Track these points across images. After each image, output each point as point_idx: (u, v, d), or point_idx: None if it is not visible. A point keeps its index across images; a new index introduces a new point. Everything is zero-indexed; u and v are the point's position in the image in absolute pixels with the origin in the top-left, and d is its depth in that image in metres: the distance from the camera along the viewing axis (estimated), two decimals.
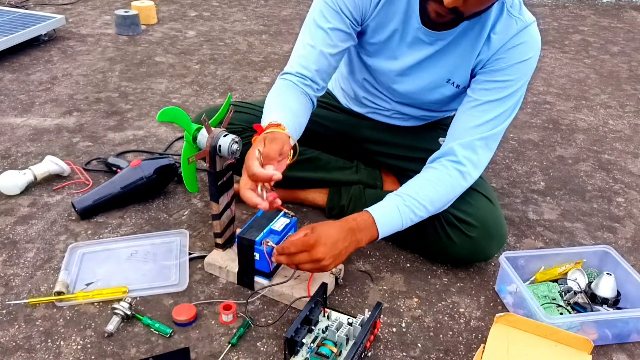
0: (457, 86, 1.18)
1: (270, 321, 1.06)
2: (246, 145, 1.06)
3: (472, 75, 1.16)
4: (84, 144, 1.67)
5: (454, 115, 1.20)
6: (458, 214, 1.16)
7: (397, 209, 1.09)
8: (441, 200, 1.13)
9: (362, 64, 1.27)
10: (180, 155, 1.09)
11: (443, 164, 1.14)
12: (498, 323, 1.00)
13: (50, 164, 1.45)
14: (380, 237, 1.09)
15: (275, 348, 1.00)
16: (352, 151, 1.42)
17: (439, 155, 1.16)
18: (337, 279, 1.15)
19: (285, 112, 1.08)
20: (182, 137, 1.71)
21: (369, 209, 1.09)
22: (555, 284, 1.17)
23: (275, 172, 0.93)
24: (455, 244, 1.17)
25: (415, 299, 1.15)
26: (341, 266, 1.16)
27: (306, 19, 1.18)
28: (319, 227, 1.04)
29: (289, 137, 1.00)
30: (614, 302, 1.11)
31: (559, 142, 1.90)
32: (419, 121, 1.36)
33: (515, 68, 1.10)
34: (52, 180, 1.47)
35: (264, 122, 1.05)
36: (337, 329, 0.98)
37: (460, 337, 1.07)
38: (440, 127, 1.38)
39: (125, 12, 2.63)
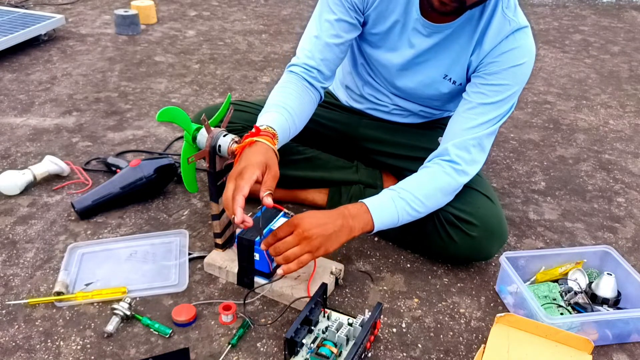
0: (454, 82, 1.19)
1: (270, 322, 1.06)
2: None
3: (468, 78, 1.17)
4: (84, 143, 1.67)
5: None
6: (458, 214, 1.16)
7: (391, 201, 1.09)
8: (437, 196, 1.13)
9: (363, 57, 1.28)
10: (180, 155, 1.09)
11: (437, 162, 1.15)
12: (498, 323, 1.00)
13: (50, 164, 1.45)
14: (376, 229, 1.08)
15: (275, 348, 1.00)
16: (352, 151, 1.42)
17: (433, 155, 1.17)
18: (337, 279, 1.14)
19: (282, 112, 1.10)
20: (181, 137, 1.71)
21: (363, 200, 1.09)
22: (556, 284, 1.17)
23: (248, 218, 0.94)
24: (456, 243, 1.17)
25: (416, 300, 1.15)
26: (341, 266, 1.16)
27: (314, 11, 1.20)
28: (304, 212, 1.04)
29: (274, 152, 1.01)
30: (615, 302, 1.11)
31: (560, 142, 1.90)
32: (418, 118, 1.36)
33: (509, 72, 1.10)
34: (52, 180, 1.47)
35: (261, 120, 1.08)
36: (337, 330, 0.97)
37: (461, 338, 1.06)
38: (439, 126, 1.38)
39: (125, 11, 2.62)
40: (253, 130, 1.02)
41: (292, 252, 1.00)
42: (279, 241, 1.01)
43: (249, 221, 0.94)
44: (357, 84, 1.35)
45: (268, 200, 0.93)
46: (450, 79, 1.18)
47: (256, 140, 1.00)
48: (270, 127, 1.04)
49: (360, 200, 1.09)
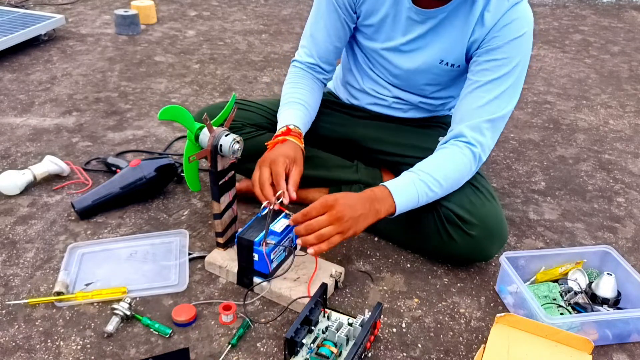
0: (452, 65, 1.21)
1: (270, 322, 1.06)
2: (246, 142, 1.11)
3: (469, 58, 1.19)
4: (84, 143, 1.67)
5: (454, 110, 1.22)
6: (459, 212, 1.16)
7: (412, 184, 1.11)
8: (454, 177, 1.15)
9: (362, 51, 1.31)
10: (180, 155, 1.09)
11: (455, 143, 1.16)
12: (498, 323, 1.00)
13: (50, 164, 1.45)
14: (397, 212, 1.09)
15: (275, 348, 1.00)
16: (352, 151, 1.42)
17: (448, 137, 1.18)
18: (336, 282, 1.14)
19: (302, 109, 1.23)
20: (182, 137, 1.71)
21: (385, 183, 1.10)
22: (556, 284, 1.17)
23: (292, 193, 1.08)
24: (456, 243, 1.17)
25: (416, 300, 1.15)
26: (341, 269, 1.16)
27: (312, 7, 1.29)
28: (336, 193, 1.05)
29: (302, 150, 1.16)
30: (615, 302, 1.11)
31: (560, 142, 1.90)
32: (419, 111, 1.37)
33: (511, 45, 1.12)
34: (52, 180, 1.47)
35: (284, 114, 1.22)
36: (337, 330, 0.97)
37: (461, 338, 1.06)
38: (440, 125, 1.39)
39: (125, 11, 2.62)
40: (283, 128, 1.16)
41: (326, 230, 1.00)
42: (312, 220, 1.01)
43: (293, 194, 1.07)
44: (357, 79, 1.37)
45: (293, 194, 1.07)
46: (447, 63, 1.20)
47: (287, 139, 1.14)
48: (298, 127, 1.18)
49: (382, 184, 1.10)
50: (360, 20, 1.23)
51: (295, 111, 1.22)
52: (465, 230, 1.16)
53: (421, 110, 1.37)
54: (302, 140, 1.17)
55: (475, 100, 1.15)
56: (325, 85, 1.34)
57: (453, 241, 1.17)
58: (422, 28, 1.17)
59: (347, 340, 0.97)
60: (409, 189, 1.10)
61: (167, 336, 1.01)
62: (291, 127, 1.17)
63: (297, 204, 1.41)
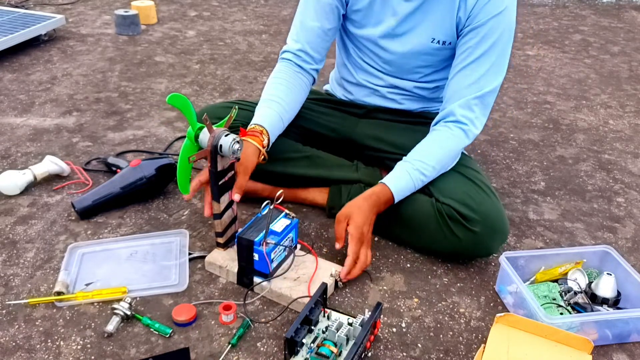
0: (443, 43, 1.23)
1: (270, 321, 1.06)
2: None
3: (458, 35, 1.22)
4: (84, 143, 1.67)
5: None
6: (460, 209, 1.16)
7: (408, 175, 1.20)
8: (446, 157, 1.23)
9: (353, 43, 1.33)
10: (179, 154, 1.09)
11: (445, 124, 1.23)
12: (498, 323, 1.00)
13: (50, 164, 1.45)
14: (396, 201, 1.20)
15: (275, 348, 1.00)
16: (351, 151, 1.42)
17: (439, 118, 1.24)
18: (336, 282, 1.14)
19: (272, 105, 1.23)
20: (182, 137, 1.71)
21: (385, 181, 1.19)
22: (556, 284, 1.17)
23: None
24: (458, 240, 1.18)
25: (416, 299, 1.15)
26: (341, 269, 1.16)
27: None
28: (353, 220, 1.14)
29: (259, 150, 1.15)
30: (614, 302, 1.11)
31: (559, 142, 1.90)
32: (414, 101, 1.38)
33: (493, 21, 1.16)
34: (52, 180, 1.47)
35: (254, 118, 1.21)
36: (337, 329, 0.97)
37: (461, 337, 1.07)
38: None
39: (125, 11, 2.62)
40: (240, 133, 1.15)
41: (363, 255, 1.15)
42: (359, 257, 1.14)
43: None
44: (351, 73, 1.38)
45: (236, 197, 1.11)
46: (438, 41, 1.23)
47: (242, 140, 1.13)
48: (258, 124, 1.18)
49: (383, 182, 1.19)
50: (349, 6, 1.26)
51: (264, 109, 1.22)
52: (467, 226, 1.16)
53: (416, 99, 1.38)
54: (263, 136, 1.17)
55: (462, 79, 1.20)
56: (314, 79, 1.34)
57: (456, 238, 1.18)
58: (409, 6, 1.20)
59: (347, 340, 0.97)
60: (406, 182, 1.19)
61: (167, 336, 1.01)
62: (252, 126, 1.18)
63: (296, 204, 1.41)
